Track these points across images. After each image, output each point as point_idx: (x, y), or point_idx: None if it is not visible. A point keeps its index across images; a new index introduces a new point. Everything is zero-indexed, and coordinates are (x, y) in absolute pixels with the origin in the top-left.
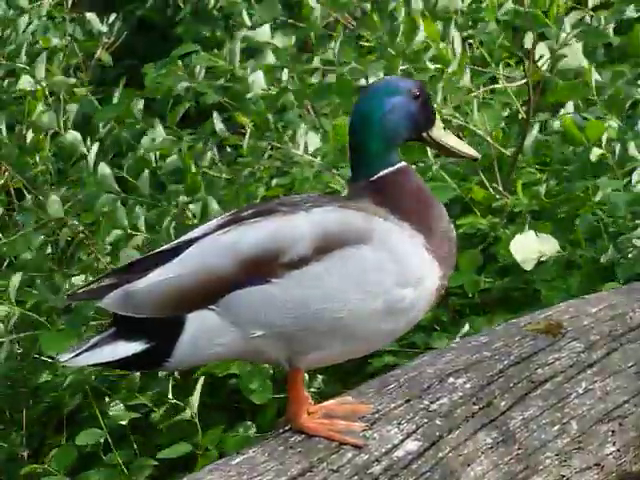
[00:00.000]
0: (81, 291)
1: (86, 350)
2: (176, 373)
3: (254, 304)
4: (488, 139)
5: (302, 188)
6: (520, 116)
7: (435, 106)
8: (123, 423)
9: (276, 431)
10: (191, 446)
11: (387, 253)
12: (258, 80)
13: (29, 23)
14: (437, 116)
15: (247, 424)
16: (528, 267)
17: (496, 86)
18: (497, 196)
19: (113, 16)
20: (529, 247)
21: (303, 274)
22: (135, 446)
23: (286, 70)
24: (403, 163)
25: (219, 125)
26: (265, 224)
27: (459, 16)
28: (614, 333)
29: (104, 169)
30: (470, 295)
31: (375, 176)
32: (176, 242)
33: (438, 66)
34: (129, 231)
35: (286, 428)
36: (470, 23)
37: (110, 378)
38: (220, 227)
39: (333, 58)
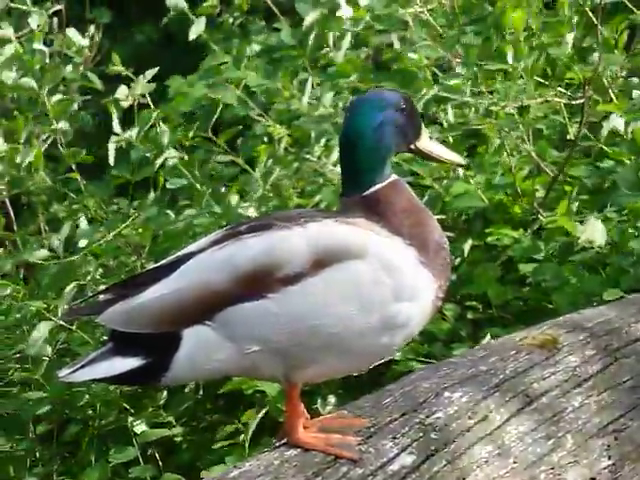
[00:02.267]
0: (80, 306)
1: (84, 366)
2: (200, 390)
3: (250, 319)
4: (533, 154)
5: (332, 202)
6: (568, 137)
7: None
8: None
9: (273, 445)
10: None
11: (382, 268)
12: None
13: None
14: (423, 126)
15: (270, 440)
16: (581, 242)
17: (555, 100)
18: (532, 211)
19: (92, 28)
20: (593, 231)
21: (299, 289)
22: (160, 463)
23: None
24: (394, 176)
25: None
26: (261, 239)
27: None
28: (610, 347)
29: None
30: (489, 308)
31: (367, 192)
32: (173, 257)
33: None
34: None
35: (282, 442)
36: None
37: (135, 394)
38: (216, 242)
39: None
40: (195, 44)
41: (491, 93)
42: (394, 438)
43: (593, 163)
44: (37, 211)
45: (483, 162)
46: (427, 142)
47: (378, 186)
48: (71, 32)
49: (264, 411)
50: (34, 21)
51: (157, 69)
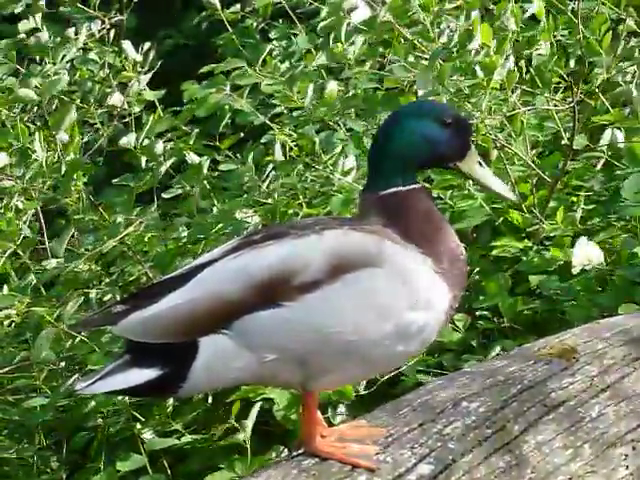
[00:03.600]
0: (95, 317)
1: (101, 378)
2: (209, 399)
3: (267, 328)
4: (528, 161)
5: (342, 211)
6: (563, 142)
7: (474, 139)
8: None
9: (290, 454)
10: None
11: (397, 276)
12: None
13: (64, 56)
14: (473, 149)
15: (279, 448)
16: (575, 271)
17: (543, 107)
18: (534, 220)
19: (147, 44)
20: (585, 251)
21: (315, 298)
22: (169, 471)
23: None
24: (417, 185)
25: (278, 154)
26: (276, 247)
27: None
28: (628, 357)
29: None
30: (500, 318)
31: (385, 192)
32: (188, 267)
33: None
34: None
35: (300, 451)
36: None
37: (143, 402)
38: (231, 251)
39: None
40: (216, 49)
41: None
42: (412, 448)
43: (593, 171)
44: (70, 219)
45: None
46: (472, 166)
47: (396, 189)
48: (126, 45)
49: (256, 409)
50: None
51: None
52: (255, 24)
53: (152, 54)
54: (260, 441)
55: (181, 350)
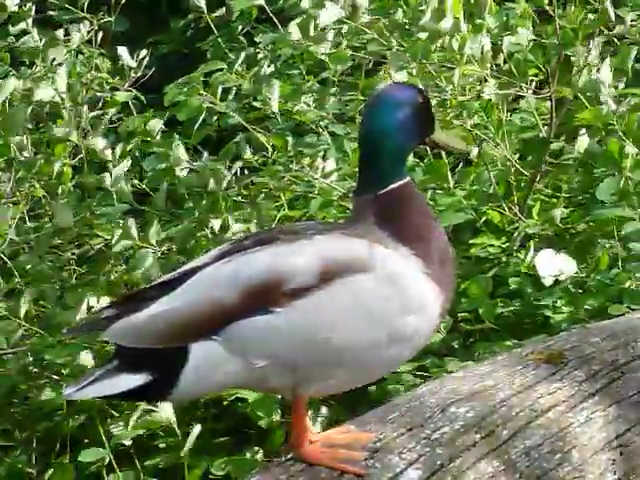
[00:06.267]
0: (83, 323)
1: (90, 383)
2: None
3: (257, 334)
4: (508, 156)
5: (319, 213)
6: (541, 135)
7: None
8: (127, 443)
9: (278, 459)
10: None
11: (388, 281)
12: (275, 97)
13: (53, 59)
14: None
15: (254, 449)
16: (547, 283)
17: (525, 95)
18: (514, 218)
19: (143, 52)
20: (552, 264)
21: (305, 304)
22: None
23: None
24: (407, 179)
25: (246, 151)
26: (266, 253)
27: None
28: (616, 362)
29: (122, 182)
30: (481, 321)
31: (381, 191)
32: (178, 272)
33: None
34: (139, 244)
35: (288, 456)
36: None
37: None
38: (221, 257)
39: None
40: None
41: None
42: (400, 453)
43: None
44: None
45: (467, 172)
46: (440, 133)
47: (393, 186)
48: (122, 51)
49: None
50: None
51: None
52: (240, 27)
53: (146, 61)
54: (238, 442)
55: (171, 355)
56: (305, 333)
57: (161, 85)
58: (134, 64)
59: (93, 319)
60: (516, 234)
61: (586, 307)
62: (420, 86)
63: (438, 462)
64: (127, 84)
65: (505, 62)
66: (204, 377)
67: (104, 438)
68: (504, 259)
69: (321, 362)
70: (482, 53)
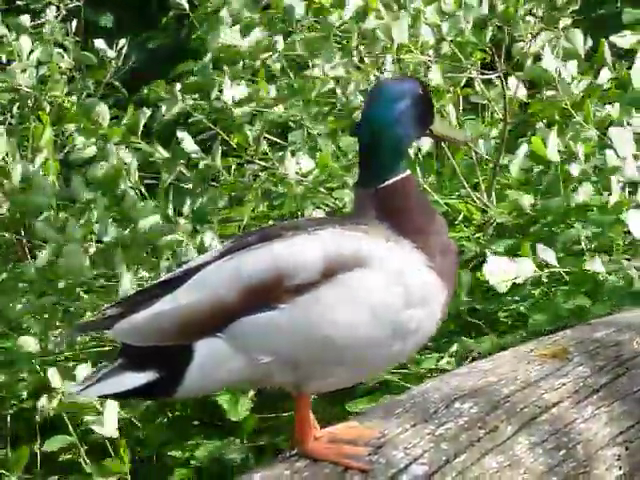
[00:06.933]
0: (89, 322)
1: (95, 382)
2: None
3: (260, 331)
4: (471, 146)
5: (289, 208)
6: (501, 124)
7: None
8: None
9: (283, 456)
10: None
11: (391, 276)
12: (239, 91)
13: (31, 51)
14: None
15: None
16: (502, 289)
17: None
18: (483, 209)
19: (122, 41)
20: (504, 269)
21: (308, 300)
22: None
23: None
24: (408, 172)
25: (190, 145)
26: (269, 250)
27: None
28: (621, 358)
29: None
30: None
31: (382, 184)
32: (181, 270)
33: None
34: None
35: (292, 452)
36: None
37: None
38: (224, 254)
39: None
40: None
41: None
42: (405, 449)
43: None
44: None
45: (430, 164)
46: (440, 125)
47: (393, 179)
48: (99, 43)
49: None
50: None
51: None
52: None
53: (124, 51)
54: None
55: (175, 353)
56: (307, 329)
57: (147, 83)
58: (113, 54)
59: (99, 318)
60: (487, 224)
61: (567, 307)
62: (419, 79)
63: (442, 458)
64: (108, 75)
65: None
66: (209, 374)
67: (70, 427)
68: (480, 253)
69: (324, 358)
70: (418, 40)
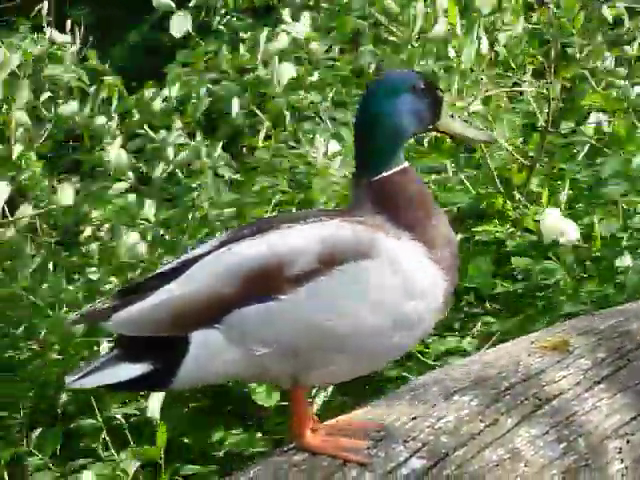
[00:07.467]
0: (86, 313)
1: (90, 372)
2: None
3: (258, 321)
4: (506, 146)
5: (318, 195)
6: (539, 124)
7: (442, 94)
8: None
9: (280, 449)
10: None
11: (391, 266)
12: (285, 72)
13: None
14: (444, 105)
15: (249, 424)
16: (547, 241)
17: (520, 89)
18: (518, 205)
19: (69, 22)
20: (557, 224)
21: (306, 290)
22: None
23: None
24: (406, 164)
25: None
26: (267, 240)
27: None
28: (622, 350)
29: (121, 156)
30: (483, 299)
31: (378, 176)
32: (179, 261)
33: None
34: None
35: (290, 446)
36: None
37: None
38: (222, 245)
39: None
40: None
41: None
42: (404, 442)
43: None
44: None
45: (472, 159)
46: (448, 121)
47: (389, 172)
48: (51, 31)
49: None
50: None
51: None
52: (218, 18)
53: (78, 31)
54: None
55: (172, 344)
56: (305, 320)
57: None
58: (68, 39)
59: (97, 308)
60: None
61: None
62: (422, 72)
63: (442, 451)
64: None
65: (498, 55)
66: (205, 366)
67: (98, 414)
68: (508, 244)
69: (322, 349)
70: (479, 53)
